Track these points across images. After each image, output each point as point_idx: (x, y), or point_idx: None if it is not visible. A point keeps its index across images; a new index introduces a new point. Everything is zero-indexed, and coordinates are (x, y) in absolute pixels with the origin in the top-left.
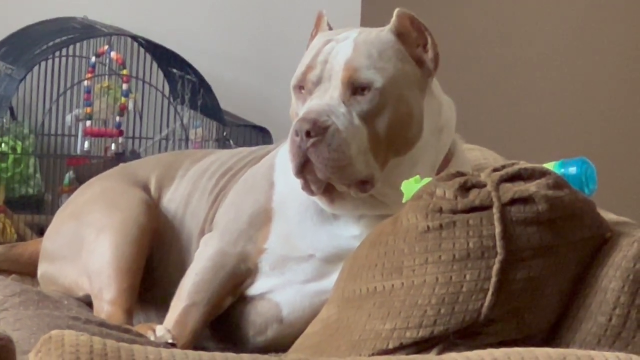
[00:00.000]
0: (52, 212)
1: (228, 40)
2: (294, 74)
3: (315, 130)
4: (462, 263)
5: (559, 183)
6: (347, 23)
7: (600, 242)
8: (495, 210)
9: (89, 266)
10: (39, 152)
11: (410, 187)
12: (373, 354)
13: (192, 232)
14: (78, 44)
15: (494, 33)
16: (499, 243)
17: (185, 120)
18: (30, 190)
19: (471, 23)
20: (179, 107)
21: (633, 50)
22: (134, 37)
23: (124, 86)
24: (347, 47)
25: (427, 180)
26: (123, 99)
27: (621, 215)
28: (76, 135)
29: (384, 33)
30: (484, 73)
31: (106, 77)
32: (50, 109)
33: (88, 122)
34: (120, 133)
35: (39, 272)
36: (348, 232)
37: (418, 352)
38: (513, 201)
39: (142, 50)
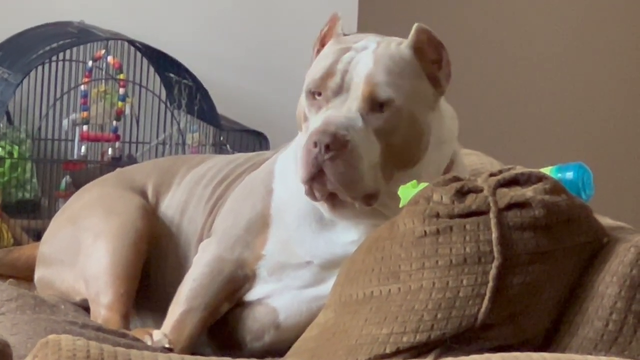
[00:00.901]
0: (49, 217)
1: (225, 44)
2: (308, 76)
3: (335, 145)
4: (459, 268)
5: (556, 188)
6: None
7: (597, 247)
8: (492, 215)
9: (86, 271)
10: (36, 156)
11: (407, 191)
12: (370, 359)
13: (189, 239)
14: (75, 49)
15: (492, 36)
16: (495, 248)
17: (182, 125)
18: (27, 195)
19: (469, 25)
20: (175, 112)
21: (631, 56)
22: (131, 42)
23: (121, 91)
24: (367, 59)
25: (424, 185)
26: (120, 103)
27: (618, 221)
28: (73, 140)
29: (402, 47)
30: (481, 77)
31: (103, 81)
32: (47, 113)
33: (85, 127)
34: (117, 138)
35: (36, 276)
36: (346, 238)
37: (415, 357)
38: (510, 206)
39: (139, 54)
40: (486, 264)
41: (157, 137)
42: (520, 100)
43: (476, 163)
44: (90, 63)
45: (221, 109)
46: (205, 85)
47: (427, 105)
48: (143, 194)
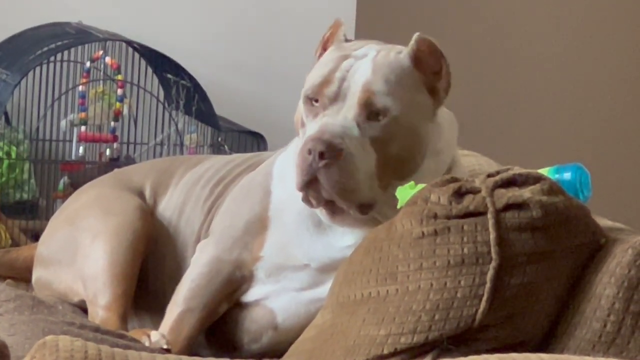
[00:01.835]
0: (47, 218)
1: (223, 45)
2: (307, 82)
3: (330, 153)
4: (457, 269)
5: (554, 189)
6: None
7: (595, 248)
8: (489, 216)
9: (83, 271)
10: (34, 157)
11: (405, 192)
12: None
13: (187, 239)
14: (73, 49)
15: (491, 37)
16: (493, 249)
17: (180, 126)
18: (25, 196)
19: (467, 26)
20: (173, 113)
21: (630, 56)
22: (129, 43)
23: (119, 91)
24: (365, 66)
25: (421, 186)
26: (118, 104)
27: (616, 222)
28: (71, 141)
29: (402, 56)
30: (479, 77)
31: (101, 82)
32: (45, 114)
33: (83, 128)
34: (115, 138)
35: (34, 277)
36: (344, 243)
37: (412, 357)
38: (507, 207)
39: (137, 55)
40: (484, 264)
41: (155, 137)
42: (518, 101)
43: (474, 164)
44: (88, 64)
45: (219, 109)
46: (203, 86)
47: (425, 116)
48: (141, 194)
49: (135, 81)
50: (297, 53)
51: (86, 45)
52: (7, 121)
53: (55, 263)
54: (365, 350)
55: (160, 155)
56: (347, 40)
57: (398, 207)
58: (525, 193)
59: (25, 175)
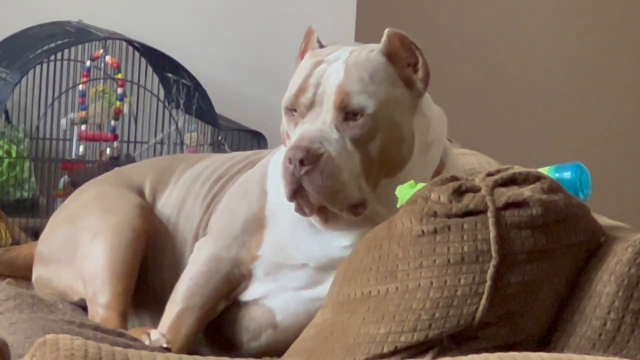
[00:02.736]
0: (47, 216)
1: (223, 44)
2: (285, 94)
3: (309, 159)
4: (457, 267)
5: (554, 187)
6: (342, 26)
7: (595, 246)
8: (489, 214)
9: (83, 270)
10: (34, 156)
11: (404, 191)
12: (368, 358)
13: (186, 237)
14: (73, 48)
15: (490, 35)
16: (493, 247)
17: (180, 125)
18: (25, 194)
19: (467, 24)
20: (173, 111)
21: (631, 54)
22: (129, 41)
23: (119, 90)
24: (338, 69)
25: (421, 185)
26: (118, 103)
27: (616, 220)
28: (71, 139)
29: (374, 54)
30: (479, 76)
31: (101, 81)
32: (45, 113)
33: (83, 126)
34: (115, 137)
35: (34, 275)
36: (340, 243)
37: (413, 356)
38: (507, 205)
39: (137, 54)
40: (484, 262)
41: (155, 136)
42: (519, 100)
43: (474, 163)
44: (88, 62)
45: (219, 108)
46: (204, 85)
47: (406, 109)
48: (140, 192)
49: (136, 80)
50: (298, 52)
51: (86, 44)
52: (8, 120)
53: (55, 261)
54: (366, 348)
55: (161, 153)
56: (321, 46)
57: (398, 205)
58: (525, 191)
59: (26, 174)
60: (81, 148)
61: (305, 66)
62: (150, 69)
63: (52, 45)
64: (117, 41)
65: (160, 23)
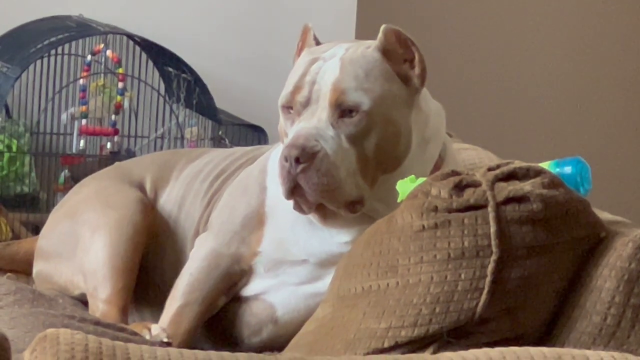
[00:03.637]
0: (47, 211)
1: (224, 39)
2: (282, 92)
3: (304, 157)
4: (457, 262)
5: (554, 182)
6: (342, 20)
7: (595, 241)
8: (490, 209)
9: (84, 265)
10: (34, 150)
11: (405, 186)
12: (368, 353)
13: (187, 233)
14: (74, 43)
15: (492, 31)
16: (494, 242)
17: (180, 119)
18: (26, 189)
19: (468, 21)
20: (174, 106)
21: (631, 49)
22: (130, 36)
23: (120, 85)
24: (334, 66)
25: (422, 179)
26: (118, 97)
27: (616, 215)
28: (71, 134)
29: (370, 51)
30: (480, 72)
31: (102, 75)
32: (46, 107)
33: (83, 121)
34: (116, 132)
35: (34, 270)
36: (340, 238)
37: (413, 351)
38: (508, 200)
39: (137, 48)
40: (484, 257)
41: (156, 131)
42: (519, 94)
43: (474, 158)
44: (89, 57)
45: (220, 103)
46: (204, 80)
47: (403, 106)
48: (141, 187)
49: (136, 74)
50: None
51: (87, 39)
52: (8, 114)
53: (55, 256)
54: (366, 343)
55: (161, 148)
56: (318, 43)
57: (398, 200)
58: (526, 186)
59: (26, 169)
60: (82, 142)
61: (301, 64)
62: (151, 64)
63: (53, 39)
64: (118, 35)
65: (161, 17)
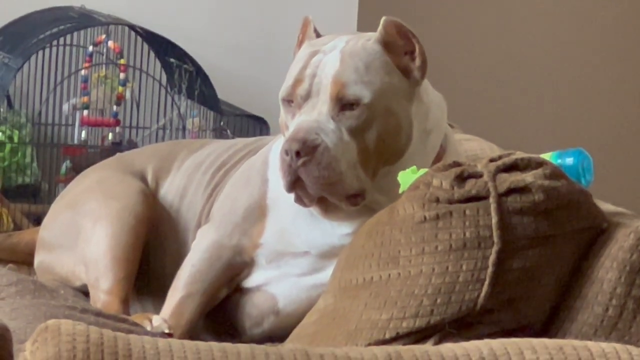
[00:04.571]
0: (49, 202)
1: (226, 29)
2: (283, 85)
3: (305, 150)
4: (459, 253)
5: (556, 173)
6: (344, 11)
7: (597, 232)
8: (492, 200)
9: (85, 255)
10: (36, 141)
11: (407, 177)
12: (370, 344)
13: (189, 224)
14: (75, 33)
15: (493, 26)
16: (495, 233)
17: (182, 110)
18: (27, 180)
19: (470, 17)
20: (176, 97)
21: (633, 44)
22: (132, 27)
23: (121, 75)
24: (334, 59)
25: (423, 170)
26: (120, 88)
27: (618, 206)
28: (73, 125)
29: (370, 43)
30: (483, 64)
31: (103, 66)
32: (48, 98)
33: (85, 112)
34: (118, 122)
35: (36, 261)
36: (342, 230)
37: (414, 342)
38: (510, 191)
39: (139, 39)
40: (486, 248)
41: (158, 122)
42: (521, 86)
43: (476, 149)
44: (90, 48)
45: (222, 94)
46: (206, 70)
47: (403, 98)
48: (143, 178)
49: (138, 65)
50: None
51: (89, 29)
52: (10, 105)
53: (57, 247)
54: (367, 334)
55: (163, 139)
56: (318, 36)
57: (400, 191)
58: (528, 177)
59: (28, 159)
60: (83, 133)
61: (301, 56)
62: (152, 55)
63: (55, 30)
64: (120, 26)
65: (163, 8)
